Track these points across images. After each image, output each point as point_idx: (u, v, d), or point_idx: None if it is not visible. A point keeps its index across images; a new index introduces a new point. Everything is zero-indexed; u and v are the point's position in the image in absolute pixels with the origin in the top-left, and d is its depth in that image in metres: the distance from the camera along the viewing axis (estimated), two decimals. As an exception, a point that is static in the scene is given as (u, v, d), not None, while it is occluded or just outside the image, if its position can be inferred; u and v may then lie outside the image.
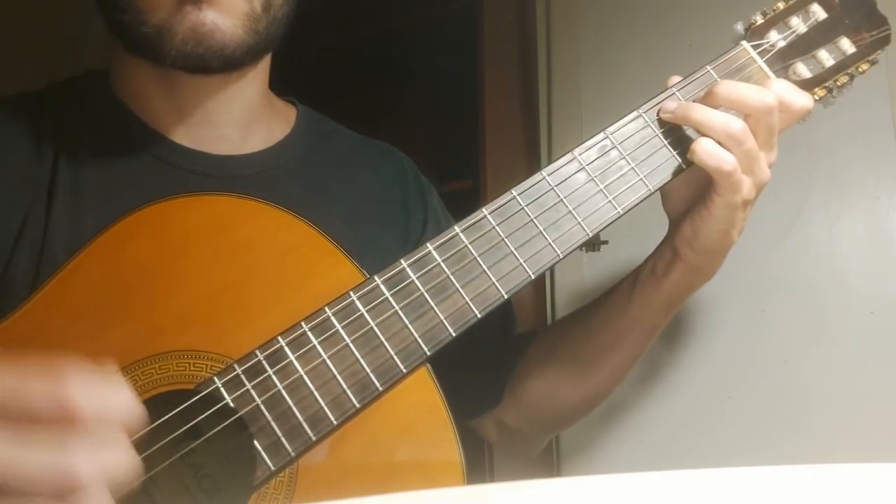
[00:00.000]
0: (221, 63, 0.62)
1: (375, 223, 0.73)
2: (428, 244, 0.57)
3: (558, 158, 0.61)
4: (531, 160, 1.17)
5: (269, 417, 0.53)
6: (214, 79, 0.67)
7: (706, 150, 0.61)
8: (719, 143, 0.61)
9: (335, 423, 0.53)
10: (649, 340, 0.74)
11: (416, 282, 0.56)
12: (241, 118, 0.71)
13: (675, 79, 0.66)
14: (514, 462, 1.08)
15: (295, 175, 0.72)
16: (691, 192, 0.66)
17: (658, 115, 0.64)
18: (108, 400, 0.41)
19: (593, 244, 1.00)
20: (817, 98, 0.68)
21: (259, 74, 0.72)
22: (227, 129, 0.70)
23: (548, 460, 1.03)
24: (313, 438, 0.53)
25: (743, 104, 0.62)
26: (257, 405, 0.53)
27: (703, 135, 0.61)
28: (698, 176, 0.65)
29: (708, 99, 0.63)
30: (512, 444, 0.90)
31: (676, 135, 0.63)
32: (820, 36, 0.68)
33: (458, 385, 0.79)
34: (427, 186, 0.83)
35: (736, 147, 0.61)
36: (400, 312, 0.56)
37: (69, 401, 0.39)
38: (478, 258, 0.58)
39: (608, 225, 0.61)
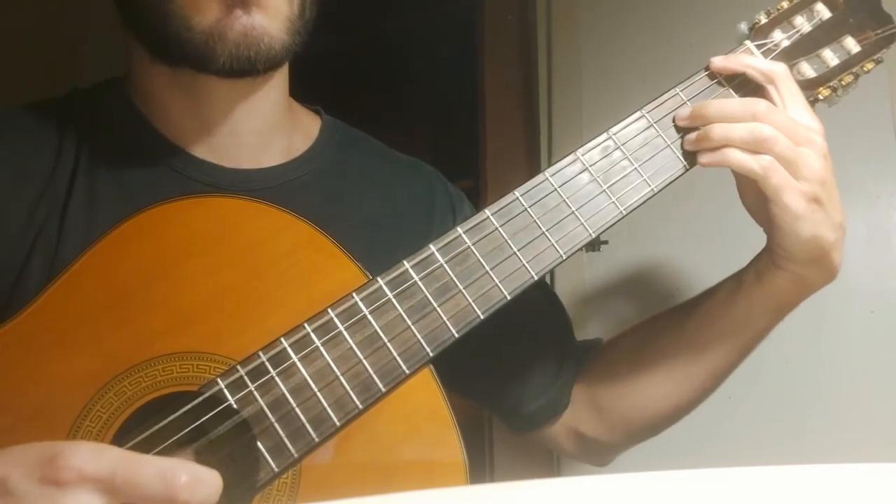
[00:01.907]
0: (267, 66, 0.62)
1: (391, 237, 0.72)
2: (431, 245, 0.57)
3: (561, 159, 0.61)
4: (531, 160, 1.17)
5: (273, 419, 0.53)
6: (242, 83, 0.66)
7: (735, 157, 0.60)
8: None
9: (338, 424, 0.53)
10: (753, 345, 0.71)
11: (419, 283, 0.56)
12: (263, 126, 0.70)
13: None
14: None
15: (310, 188, 0.71)
16: (754, 200, 0.65)
17: (674, 122, 0.63)
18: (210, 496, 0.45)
19: (593, 244, 1.00)
20: (822, 98, 0.67)
21: (280, 80, 0.71)
22: (248, 137, 0.69)
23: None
24: (316, 440, 0.53)
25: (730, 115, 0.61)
26: (261, 407, 0.53)
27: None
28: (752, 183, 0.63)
29: (696, 120, 0.63)
30: (589, 455, 0.88)
31: (679, 134, 0.63)
32: (824, 35, 0.67)
33: (519, 394, 0.77)
34: (458, 198, 0.81)
35: (770, 152, 0.60)
36: (403, 314, 0.56)
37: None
38: (480, 259, 0.58)
39: (611, 226, 0.61)
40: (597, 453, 0.86)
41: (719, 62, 0.65)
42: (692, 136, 0.63)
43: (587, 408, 0.77)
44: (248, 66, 0.61)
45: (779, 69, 0.64)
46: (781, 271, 0.65)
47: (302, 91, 0.79)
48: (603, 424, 0.78)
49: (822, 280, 0.66)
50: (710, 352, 0.71)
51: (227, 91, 0.67)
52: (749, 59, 0.65)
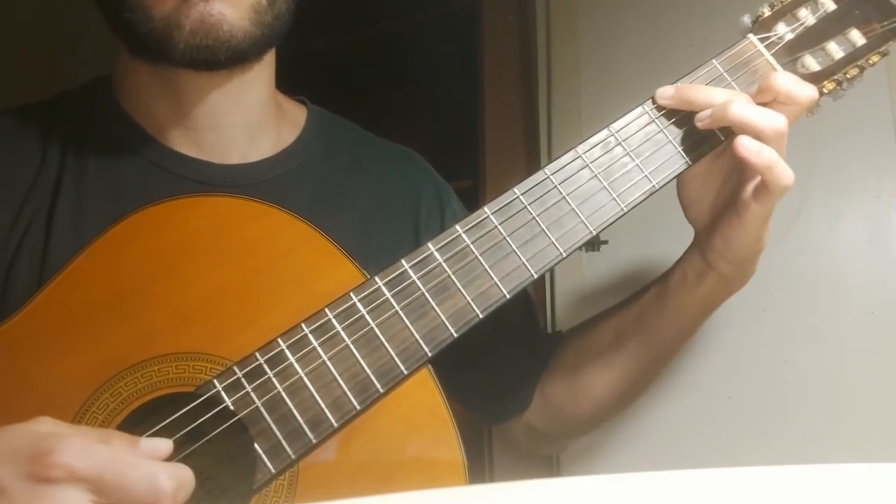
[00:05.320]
0: (229, 56, 0.62)
1: (384, 228, 0.72)
2: (429, 244, 0.57)
3: (561, 155, 0.61)
4: (531, 160, 1.17)
5: (270, 420, 0.52)
6: (219, 75, 0.66)
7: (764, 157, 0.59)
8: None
9: (336, 424, 0.53)
10: (680, 345, 0.74)
11: (417, 282, 0.56)
12: (248, 119, 0.70)
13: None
14: (514, 462, 1.08)
15: (301, 182, 0.71)
16: (714, 200, 0.66)
17: (654, 100, 0.63)
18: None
19: (593, 244, 0.99)
20: (826, 91, 0.66)
21: (264, 72, 0.71)
22: (234, 131, 0.69)
23: (548, 460, 1.02)
24: (313, 441, 0.53)
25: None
26: (257, 407, 0.53)
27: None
28: (721, 184, 0.64)
29: (681, 103, 0.62)
30: (539, 446, 0.90)
31: (682, 130, 0.63)
32: (829, 27, 0.66)
33: (488, 390, 0.79)
34: (446, 190, 0.81)
35: (778, 142, 0.60)
36: (401, 313, 0.55)
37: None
38: (479, 257, 0.57)
39: (612, 223, 0.60)
40: (545, 444, 0.90)
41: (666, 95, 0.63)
42: (705, 113, 0.61)
43: (539, 403, 0.79)
44: (209, 56, 0.61)
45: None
46: (712, 273, 0.67)
47: (300, 91, 0.79)
48: (551, 419, 0.80)
49: (741, 283, 0.69)
50: (641, 352, 0.74)
51: (204, 84, 0.66)
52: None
